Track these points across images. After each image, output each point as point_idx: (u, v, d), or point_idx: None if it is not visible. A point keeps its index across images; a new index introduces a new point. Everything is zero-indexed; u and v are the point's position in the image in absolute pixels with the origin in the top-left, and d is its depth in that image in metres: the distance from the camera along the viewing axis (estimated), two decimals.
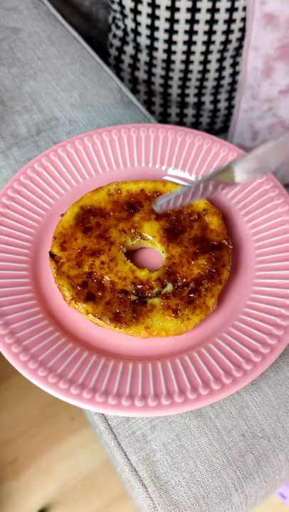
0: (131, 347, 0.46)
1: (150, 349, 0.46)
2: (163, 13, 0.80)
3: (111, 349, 0.46)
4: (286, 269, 0.49)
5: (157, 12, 0.80)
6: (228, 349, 0.44)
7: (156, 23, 0.82)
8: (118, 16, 0.88)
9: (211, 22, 0.81)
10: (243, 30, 0.83)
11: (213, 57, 0.87)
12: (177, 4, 0.78)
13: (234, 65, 0.91)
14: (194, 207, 0.53)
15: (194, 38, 0.83)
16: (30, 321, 0.46)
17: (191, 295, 0.47)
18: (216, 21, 0.81)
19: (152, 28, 0.83)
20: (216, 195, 0.46)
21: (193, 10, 0.79)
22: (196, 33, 0.82)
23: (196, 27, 0.81)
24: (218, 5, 0.78)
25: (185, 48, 0.84)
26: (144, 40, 0.86)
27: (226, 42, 0.85)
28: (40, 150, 0.63)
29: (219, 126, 1.02)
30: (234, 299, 0.49)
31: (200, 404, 0.40)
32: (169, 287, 0.48)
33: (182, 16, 0.79)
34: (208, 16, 0.80)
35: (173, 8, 0.79)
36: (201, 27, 0.81)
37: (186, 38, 0.83)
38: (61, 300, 0.49)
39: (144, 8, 0.81)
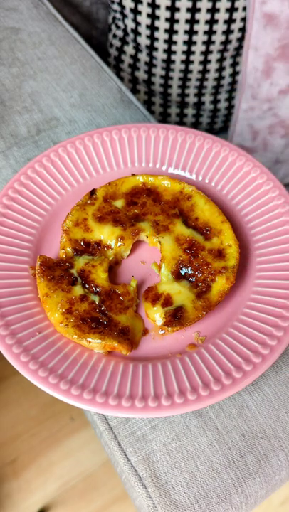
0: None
1: (150, 350, 0.46)
2: (163, 13, 0.80)
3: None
4: (287, 269, 0.49)
5: (157, 12, 0.80)
6: (228, 350, 0.44)
7: (156, 23, 0.82)
8: (118, 15, 0.88)
9: (211, 22, 0.80)
10: (243, 30, 0.83)
11: (213, 57, 0.87)
12: (177, 4, 0.78)
13: (234, 65, 0.91)
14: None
15: (194, 38, 0.83)
16: (31, 321, 0.46)
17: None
18: (216, 21, 0.80)
19: (152, 28, 0.83)
20: None
21: (193, 10, 0.79)
22: (196, 33, 0.82)
23: (196, 27, 0.81)
24: (218, 5, 0.78)
25: (185, 47, 0.84)
26: (144, 40, 0.86)
27: (226, 42, 0.85)
28: (40, 150, 0.63)
29: (219, 126, 1.02)
30: (234, 299, 0.49)
31: (200, 405, 0.40)
32: None
33: (182, 16, 0.79)
34: (208, 16, 0.79)
35: (173, 8, 0.79)
36: (201, 27, 0.81)
37: (186, 38, 0.83)
38: None
39: (144, 8, 0.81)
